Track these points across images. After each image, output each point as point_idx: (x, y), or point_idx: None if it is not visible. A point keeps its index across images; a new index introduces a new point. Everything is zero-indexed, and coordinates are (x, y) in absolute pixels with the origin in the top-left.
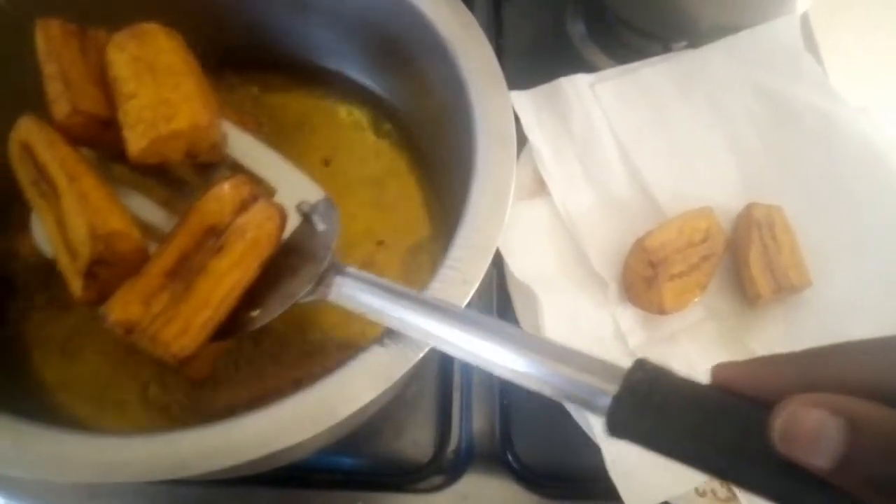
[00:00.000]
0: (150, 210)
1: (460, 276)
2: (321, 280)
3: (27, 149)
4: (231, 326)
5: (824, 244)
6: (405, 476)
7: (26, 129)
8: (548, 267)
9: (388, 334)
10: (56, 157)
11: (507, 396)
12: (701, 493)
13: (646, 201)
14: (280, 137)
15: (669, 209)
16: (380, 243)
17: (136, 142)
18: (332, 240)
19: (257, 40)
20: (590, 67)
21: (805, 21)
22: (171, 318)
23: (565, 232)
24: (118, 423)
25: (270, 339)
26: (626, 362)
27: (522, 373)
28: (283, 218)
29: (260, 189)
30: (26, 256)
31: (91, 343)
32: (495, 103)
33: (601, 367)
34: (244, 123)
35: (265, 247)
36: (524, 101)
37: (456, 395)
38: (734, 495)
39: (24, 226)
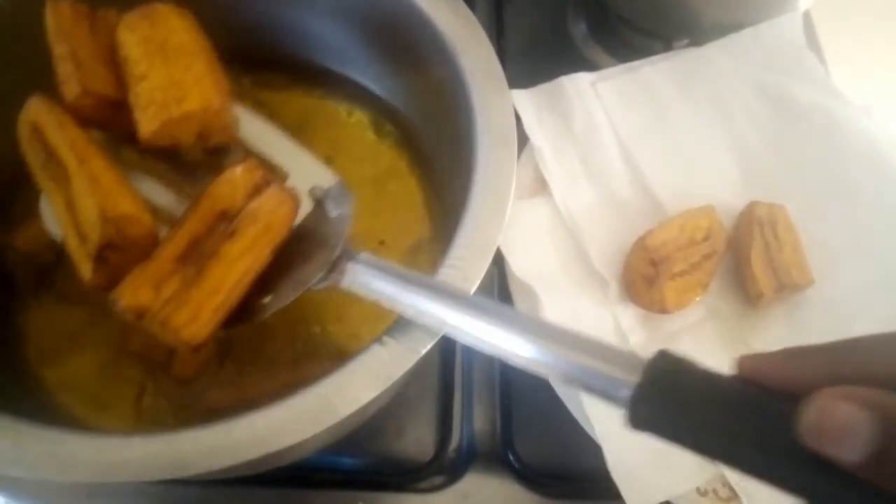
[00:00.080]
0: (160, 194)
1: (461, 275)
2: (334, 266)
3: (37, 130)
4: (242, 313)
5: (826, 242)
6: (406, 476)
7: (36, 110)
8: (549, 266)
9: (388, 333)
10: (66, 138)
11: (509, 396)
12: (702, 493)
13: (647, 200)
14: None
15: (671, 207)
16: (381, 243)
17: (147, 124)
18: (345, 226)
19: (258, 40)
20: (591, 67)
21: (807, 19)
22: (181, 303)
23: (566, 231)
24: (118, 423)
25: (259, 343)
26: None
27: (539, 361)
28: (296, 203)
29: (272, 174)
30: (27, 254)
31: (91, 343)
32: (496, 103)
33: (622, 357)
34: None
35: (278, 232)
36: (525, 100)
37: (457, 395)
38: (735, 495)
39: (24, 223)
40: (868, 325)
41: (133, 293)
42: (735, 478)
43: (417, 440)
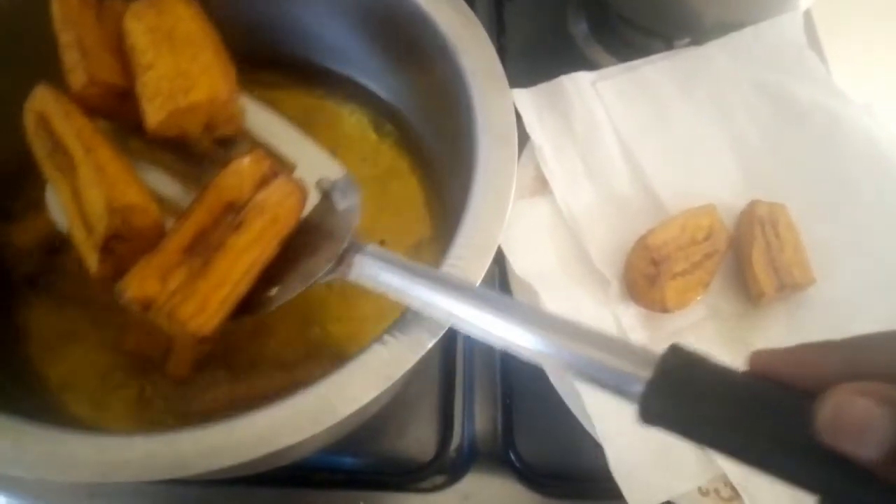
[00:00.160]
0: (167, 184)
1: (462, 274)
2: (341, 259)
3: (43, 119)
4: (249, 305)
5: (828, 241)
6: (407, 475)
7: (42, 100)
8: (549, 265)
9: (388, 332)
10: (72, 128)
11: (510, 396)
12: (704, 493)
13: (648, 199)
14: None
15: (672, 207)
16: (381, 243)
17: (154, 114)
18: (353, 218)
19: (258, 40)
20: (592, 66)
21: (808, 18)
22: (188, 295)
23: (567, 230)
24: (118, 423)
25: (259, 343)
26: None
27: (548, 354)
28: (304, 194)
29: (279, 165)
30: (27, 252)
31: (92, 343)
32: (497, 102)
33: (633, 352)
34: None
35: (285, 224)
36: (526, 100)
37: (458, 395)
38: (737, 494)
39: (24, 220)
40: (869, 325)
41: (139, 284)
42: (737, 477)
43: (418, 440)
